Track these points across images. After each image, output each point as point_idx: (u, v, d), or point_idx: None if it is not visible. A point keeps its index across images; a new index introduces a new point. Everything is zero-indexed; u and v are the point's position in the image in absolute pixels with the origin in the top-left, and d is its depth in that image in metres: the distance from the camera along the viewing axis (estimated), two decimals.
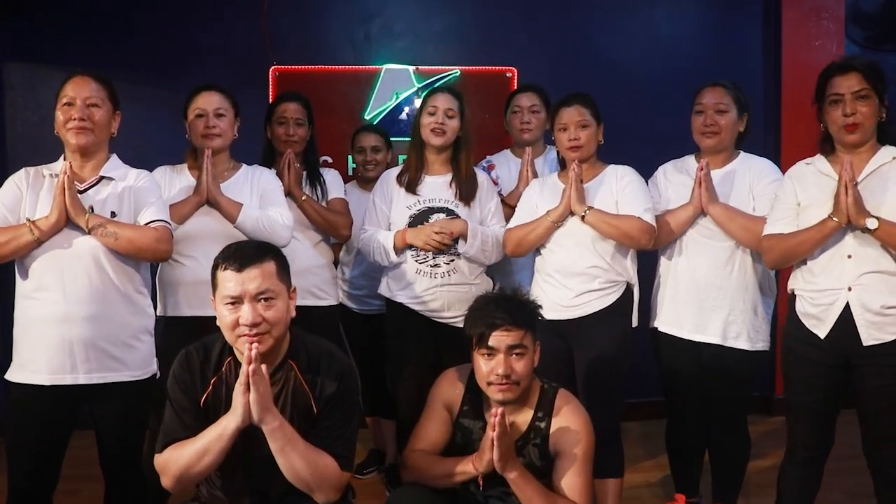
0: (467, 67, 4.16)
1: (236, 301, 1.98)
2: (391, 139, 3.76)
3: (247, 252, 2.00)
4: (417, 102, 4.01)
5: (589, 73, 4.22)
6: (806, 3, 4.45)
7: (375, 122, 4.13)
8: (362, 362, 3.64)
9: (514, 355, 2.23)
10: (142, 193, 2.43)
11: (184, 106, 2.87)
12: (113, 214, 2.39)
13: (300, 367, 2.08)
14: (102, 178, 2.44)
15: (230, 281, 1.98)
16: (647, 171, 2.98)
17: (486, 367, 2.24)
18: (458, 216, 2.94)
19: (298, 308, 3.11)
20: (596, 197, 2.86)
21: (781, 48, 4.48)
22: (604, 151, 2.97)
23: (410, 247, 2.95)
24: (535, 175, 3.24)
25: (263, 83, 4.08)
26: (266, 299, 1.98)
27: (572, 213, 2.83)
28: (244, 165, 2.93)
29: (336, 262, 3.44)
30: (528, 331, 2.24)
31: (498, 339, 2.22)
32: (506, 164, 3.43)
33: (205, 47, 4.09)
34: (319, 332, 3.14)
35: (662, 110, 4.20)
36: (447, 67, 4.15)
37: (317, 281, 3.18)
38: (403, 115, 4.14)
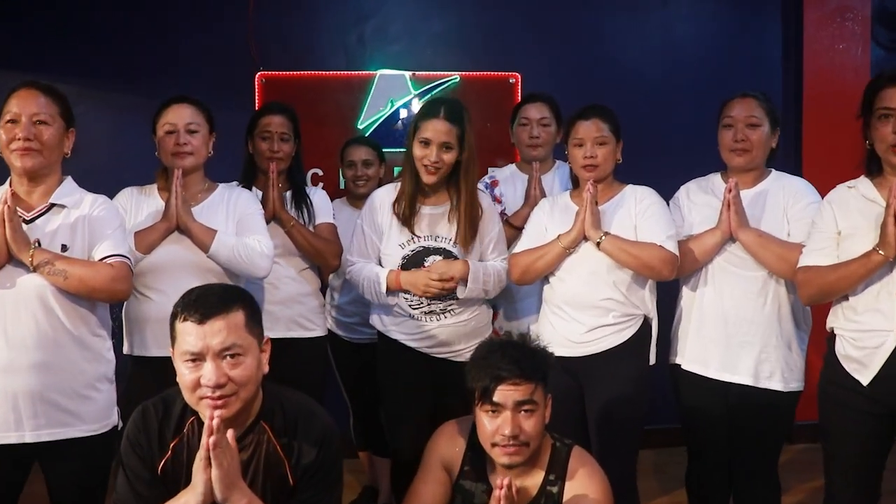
0: (468, 73, 3.96)
1: (197, 358, 1.70)
2: (386, 150, 3.54)
3: (210, 300, 1.72)
4: (416, 108, 3.83)
5: (597, 79, 4.01)
6: (829, 2, 4.22)
7: (369, 132, 3.93)
8: (353, 394, 3.43)
9: (522, 412, 1.95)
10: (98, 224, 2.14)
11: (152, 121, 2.57)
12: (64, 248, 2.10)
13: (274, 430, 1.80)
14: (53, 205, 2.15)
15: (190, 334, 1.70)
16: (660, 187, 2.71)
17: (491, 426, 1.95)
18: (455, 257, 2.64)
19: (283, 341, 2.89)
20: (613, 221, 2.59)
21: (802, 51, 4.25)
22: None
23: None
24: (544, 194, 2.96)
25: (249, 90, 3.87)
26: (232, 356, 1.71)
27: (586, 239, 2.56)
28: (220, 186, 2.65)
29: (324, 288, 3.16)
30: (538, 384, 1.96)
31: (504, 394, 1.93)
32: (511, 182, 3.16)
33: (185, 52, 3.88)
34: (306, 365, 2.95)
35: (675, 119, 4.05)
36: (446, 73, 3.94)
37: (303, 310, 2.92)
38: (399, 125, 3.93)
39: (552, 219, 2.68)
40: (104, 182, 2.66)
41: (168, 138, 2.51)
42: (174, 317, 1.74)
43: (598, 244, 2.52)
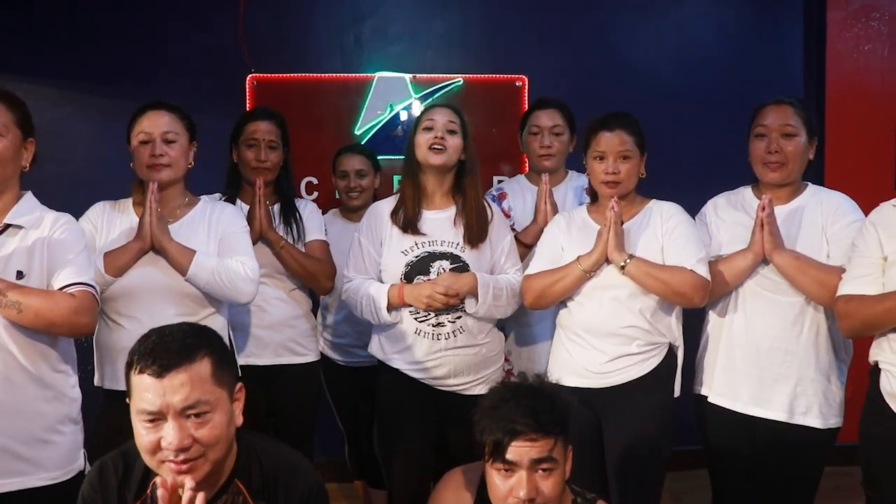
0: (471, 76, 3.75)
1: (157, 418, 1.46)
2: (384, 157, 3.42)
3: (170, 347, 1.47)
4: (417, 112, 3.62)
5: (608, 82, 3.82)
6: (853, 2, 4.00)
7: (367, 138, 3.72)
8: (348, 421, 3.21)
9: (539, 472, 1.71)
10: (59, 247, 1.90)
11: (126, 129, 2.33)
12: (20, 275, 1.86)
13: (251, 490, 1.57)
14: (8, 226, 1.90)
15: (147, 390, 1.46)
16: (673, 199, 2.50)
17: (504, 487, 1.72)
18: (464, 263, 2.45)
19: (273, 367, 2.68)
20: (638, 242, 2.37)
21: (825, 53, 4.02)
22: None
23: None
24: (555, 208, 2.72)
25: (239, 94, 3.65)
26: (198, 414, 1.46)
27: (608, 261, 2.33)
28: (202, 199, 2.41)
29: (315, 308, 2.95)
30: (558, 438, 1.72)
31: (519, 451, 1.69)
32: (520, 194, 2.92)
33: (172, 52, 3.69)
34: (298, 393, 2.72)
35: (691, 126, 3.90)
36: (449, 76, 3.74)
37: (293, 334, 2.70)
38: (399, 130, 3.72)
39: (569, 237, 2.46)
40: (84, 191, 2.53)
41: (143, 148, 2.27)
42: (129, 366, 1.50)
43: (622, 268, 2.30)
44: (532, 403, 1.71)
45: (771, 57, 4.06)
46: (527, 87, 3.76)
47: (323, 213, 3.44)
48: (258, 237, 2.57)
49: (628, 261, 2.29)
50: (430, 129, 2.44)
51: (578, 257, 2.35)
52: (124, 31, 3.67)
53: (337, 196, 3.37)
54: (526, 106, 3.66)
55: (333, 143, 3.41)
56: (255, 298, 2.55)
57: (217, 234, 2.31)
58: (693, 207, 2.53)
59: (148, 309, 2.18)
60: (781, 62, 4.07)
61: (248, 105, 3.64)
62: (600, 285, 2.35)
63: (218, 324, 2.31)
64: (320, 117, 3.68)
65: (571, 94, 3.05)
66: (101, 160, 3.54)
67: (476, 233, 2.45)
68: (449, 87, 3.73)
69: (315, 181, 3.69)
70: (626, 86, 3.80)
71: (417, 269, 2.43)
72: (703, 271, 2.29)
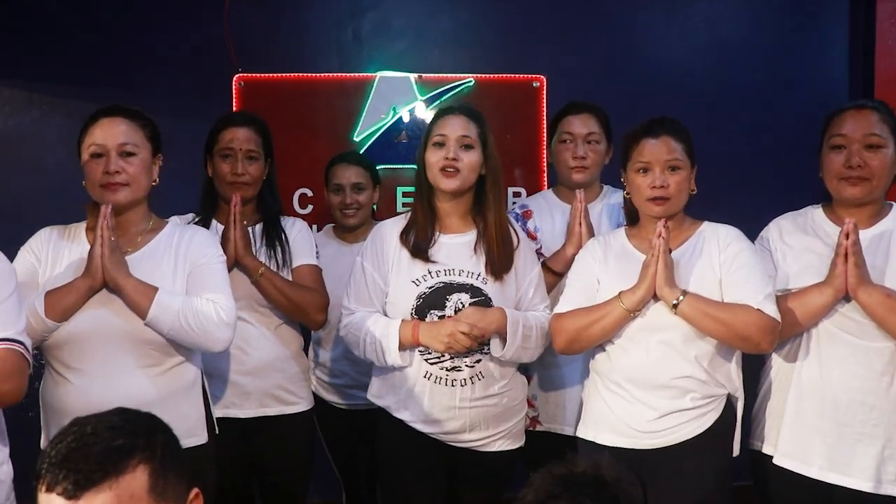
0: (484, 76, 3.46)
1: None
2: (388, 167, 3.23)
3: (90, 454, 1.08)
4: (422, 116, 3.36)
5: (633, 83, 3.53)
6: None
7: (367, 145, 3.41)
8: (346, 470, 2.83)
9: None
10: None
11: (77, 140, 1.96)
12: None
13: None
14: None
15: None
16: (711, 217, 2.14)
17: None
18: (486, 297, 2.10)
19: (257, 420, 2.27)
20: (691, 274, 1.99)
21: (874, 50, 3.68)
22: None
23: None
24: (591, 230, 2.35)
25: (225, 96, 3.37)
26: None
27: (656, 298, 1.96)
28: (170, 223, 2.04)
29: (307, 344, 2.59)
30: None
31: None
32: (548, 212, 2.53)
33: (150, 50, 3.43)
34: (287, 450, 2.30)
35: (724, 131, 3.57)
36: (458, 75, 3.44)
37: (280, 380, 2.32)
38: (403, 136, 3.42)
39: (606, 268, 2.09)
40: (55, 203, 2.29)
41: (94, 164, 1.89)
42: (37, 477, 1.11)
43: (674, 307, 1.92)
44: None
45: (812, 55, 3.76)
46: (545, 87, 3.46)
47: (318, 230, 3.14)
48: (233, 264, 2.21)
49: (681, 298, 1.91)
50: (440, 144, 2.11)
51: (621, 293, 1.97)
52: (101, 30, 3.43)
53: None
54: (544, 108, 3.41)
55: (329, 151, 3.10)
56: (235, 338, 2.19)
57: (186, 266, 1.93)
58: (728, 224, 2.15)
59: (100, 360, 1.81)
60: (824, 59, 3.77)
61: (235, 108, 3.34)
62: (647, 327, 1.98)
63: (188, 376, 1.94)
64: (315, 122, 3.39)
65: (594, 95, 2.73)
66: (74, 169, 3.19)
67: (500, 261, 2.11)
68: (459, 89, 3.42)
69: (309, 193, 3.38)
70: (653, 86, 3.53)
71: (431, 302, 2.08)
72: (772, 310, 1.91)
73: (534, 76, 3.45)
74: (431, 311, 2.08)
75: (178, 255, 1.93)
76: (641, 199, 2.04)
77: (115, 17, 3.41)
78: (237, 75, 3.36)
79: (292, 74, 3.39)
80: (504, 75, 3.46)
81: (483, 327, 2.03)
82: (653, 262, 1.93)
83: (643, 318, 1.97)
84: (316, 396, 2.69)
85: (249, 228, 2.31)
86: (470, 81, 3.41)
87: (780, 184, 3.45)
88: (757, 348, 1.93)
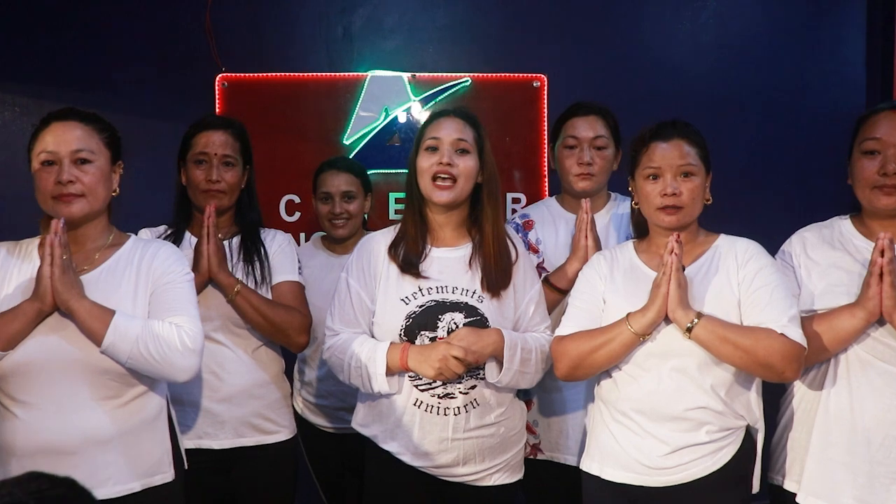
0: (481, 75, 3.30)
1: None
2: (379, 171, 3.10)
3: None
4: (417, 118, 3.20)
5: (639, 84, 3.37)
6: None
7: (358, 149, 3.23)
8: (334, 497, 2.66)
9: None
10: None
11: (27, 146, 1.78)
12: None
13: None
14: None
15: None
16: (732, 227, 1.97)
17: None
18: (482, 317, 1.93)
19: (234, 451, 2.04)
20: (706, 294, 1.81)
21: (894, 47, 3.50)
22: None
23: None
24: (598, 243, 2.16)
25: (207, 97, 3.22)
26: None
27: (667, 321, 1.78)
28: (132, 238, 1.85)
29: (290, 366, 2.44)
30: None
31: None
32: (551, 222, 2.36)
33: (128, 49, 3.28)
34: (267, 483, 2.08)
35: (734, 136, 3.41)
36: (454, 75, 3.29)
37: (259, 407, 2.14)
38: (396, 139, 3.26)
39: (613, 286, 1.91)
40: (26, 212, 2.00)
41: (45, 173, 1.70)
42: None
43: (688, 330, 1.73)
44: None
45: (828, 54, 3.58)
46: (546, 88, 3.30)
47: (307, 239, 3.04)
48: (206, 280, 2.04)
49: (696, 321, 1.73)
50: (433, 149, 1.95)
51: (629, 315, 1.79)
52: (77, 27, 3.27)
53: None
54: (545, 110, 3.25)
55: (318, 155, 2.98)
56: (208, 362, 2.05)
57: (148, 286, 1.75)
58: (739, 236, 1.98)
59: (50, 392, 1.63)
60: (840, 59, 3.59)
61: (217, 110, 3.18)
62: (658, 352, 1.79)
63: (151, 407, 1.75)
64: (303, 124, 3.23)
65: (598, 96, 2.57)
66: None
67: (497, 277, 1.94)
68: (455, 89, 3.26)
69: (297, 200, 3.21)
70: (660, 86, 3.37)
71: (421, 322, 1.91)
72: (797, 335, 1.72)
73: (534, 75, 3.30)
74: (422, 333, 1.90)
75: (139, 274, 1.75)
76: (651, 209, 1.86)
77: (91, 14, 3.26)
78: (220, 75, 3.21)
79: (278, 74, 3.23)
80: (503, 74, 3.31)
81: (478, 351, 1.85)
82: (664, 280, 1.75)
83: (653, 342, 1.79)
84: (302, 418, 2.57)
85: (225, 241, 2.15)
86: (467, 81, 3.26)
87: (798, 192, 3.32)
88: (780, 377, 1.74)
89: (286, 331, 2.10)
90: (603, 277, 1.92)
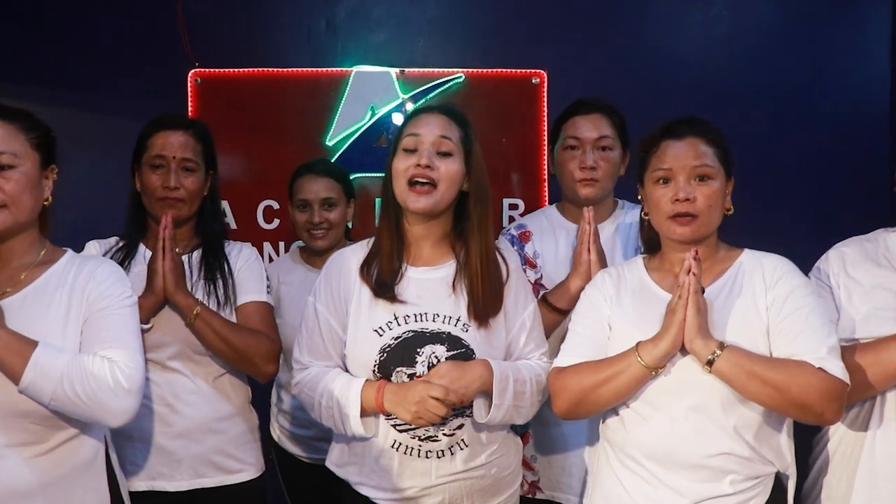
0: (475, 70, 3.09)
1: None
2: (363, 176, 2.92)
3: None
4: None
5: (646, 80, 3.14)
6: None
7: (342, 150, 3.02)
8: None
9: None
10: None
11: None
12: None
13: None
14: None
15: None
16: (752, 241, 1.73)
17: None
18: (467, 349, 1.68)
19: (191, 493, 1.78)
20: (728, 319, 1.56)
21: None
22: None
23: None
24: (602, 258, 1.93)
25: (179, 94, 3.03)
26: None
27: (683, 350, 1.53)
28: (69, 253, 1.61)
29: (259, 393, 2.19)
30: None
31: None
32: (550, 233, 2.13)
33: (95, 43, 3.09)
34: None
35: (750, 135, 3.13)
36: (447, 70, 3.09)
37: (220, 443, 1.91)
38: (383, 140, 3.05)
39: (620, 308, 1.67)
40: None
41: None
42: None
43: (709, 363, 1.48)
44: None
45: (850, 48, 3.34)
46: (546, 84, 3.09)
47: (286, 249, 2.87)
48: (162, 301, 1.82)
49: (718, 353, 1.48)
50: (411, 151, 1.70)
51: (639, 345, 1.55)
52: (34, 18, 3.08)
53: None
54: (545, 108, 3.04)
55: (298, 156, 2.77)
56: (163, 392, 1.83)
57: (82, 312, 1.50)
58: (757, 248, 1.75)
59: None
60: (863, 53, 3.36)
61: (190, 107, 2.99)
62: (673, 389, 1.55)
63: (83, 453, 1.51)
64: (282, 124, 3.04)
65: (601, 93, 2.36)
66: None
67: (486, 302, 1.70)
68: (447, 86, 3.05)
69: (276, 206, 3.01)
70: (669, 83, 3.15)
71: (397, 356, 1.67)
72: (838, 369, 1.48)
73: (533, 71, 3.10)
74: (398, 369, 1.66)
75: (72, 297, 1.51)
76: (661, 217, 1.63)
77: (55, 6, 3.06)
78: (193, 70, 3.02)
79: (256, 70, 3.02)
80: (499, 70, 3.11)
81: (462, 389, 1.61)
82: (680, 305, 1.50)
83: (667, 376, 1.55)
84: (279, 447, 2.38)
85: (185, 256, 1.93)
86: (460, 77, 3.05)
87: (817, 201, 3.09)
88: (819, 419, 1.50)
89: (252, 358, 1.86)
90: (608, 299, 1.68)
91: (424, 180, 1.66)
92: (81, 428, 1.49)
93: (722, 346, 1.48)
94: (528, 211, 2.95)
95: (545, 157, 3.00)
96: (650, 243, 1.75)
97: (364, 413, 1.65)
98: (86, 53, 3.05)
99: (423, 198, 1.67)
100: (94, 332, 1.48)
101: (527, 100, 3.04)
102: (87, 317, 1.49)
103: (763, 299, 1.56)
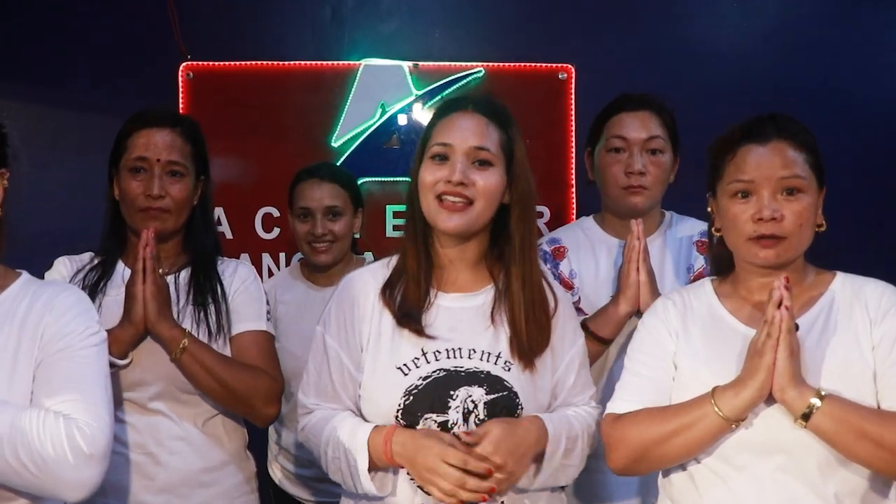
0: (496, 64, 2.97)
1: None
2: (372, 180, 2.81)
3: None
4: (419, 117, 2.89)
5: (681, 75, 2.99)
6: None
7: (349, 152, 2.92)
8: None
9: None
10: None
11: None
12: None
13: None
14: None
15: None
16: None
17: None
18: (510, 392, 1.42)
19: None
20: (824, 361, 1.31)
21: None
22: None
23: None
24: (653, 279, 1.70)
25: (169, 89, 2.90)
26: None
27: (769, 400, 1.28)
28: (23, 277, 1.36)
29: (256, 438, 1.96)
30: None
31: None
32: (588, 248, 1.90)
33: (81, 37, 2.97)
34: None
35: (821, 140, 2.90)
36: (465, 64, 2.95)
37: (213, 498, 1.66)
38: (394, 140, 2.95)
39: (688, 345, 1.41)
40: None
41: None
42: None
43: (804, 417, 1.23)
44: None
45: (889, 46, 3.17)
46: (573, 80, 2.96)
47: (287, 262, 2.75)
48: (142, 332, 1.58)
49: (817, 405, 1.22)
50: (442, 158, 1.45)
51: (715, 391, 1.29)
52: (24, 12, 2.95)
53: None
54: (573, 106, 2.88)
55: (300, 160, 2.63)
56: (143, 440, 1.62)
57: (34, 352, 1.24)
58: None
59: None
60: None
61: (180, 106, 2.85)
62: (758, 445, 1.29)
63: None
64: (283, 124, 2.92)
65: (635, 91, 2.18)
66: None
67: (531, 335, 1.45)
68: (465, 81, 2.92)
69: (275, 213, 2.87)
70: (709, 80, 2.99)
71: (426, 400, 1.41)
72: None
73: (560, 66, 2.98)
74: (427, 416, 1.40)
75: (23, 333, 1.24)
76: (739, 239, 1.37)
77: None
78: (184, 64, 2.88)
79: (254, 63, 2.90)
80: (522, 64, 2.99)
81: (511, 466, 1.35)
82: (769, 346, 1.25)
83: (749, 429, 1.29)
84: (280, 491, 2.18)
85: (170, 277, 1.68)
86: (479, 72, 2.93)
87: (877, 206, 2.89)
88: None
89: (249, 399, 1.62)
90: (673, 332, 1.42)
91: (456, 199, 1.42)
92: (31, 499, 1.23)
93: (820, 396, 1.22)
94: (553, 220, 2.79)
95: (572, 161, 2.87)
96: (720, 263, 1.49)
97: (375, 466, 1.39)
98: (72, 47, 2.93)
99: (456, 216, 1.42)
100: (49, 380, 1.21)
101: (553, 97, 2.93)
102: (42, 359, 1.23)
103: (868, 337, 1.30)
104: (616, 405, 1.41)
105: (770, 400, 1.27)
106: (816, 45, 3.12)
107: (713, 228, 1.47)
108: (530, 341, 1.43)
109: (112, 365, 1.49)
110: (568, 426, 1.43)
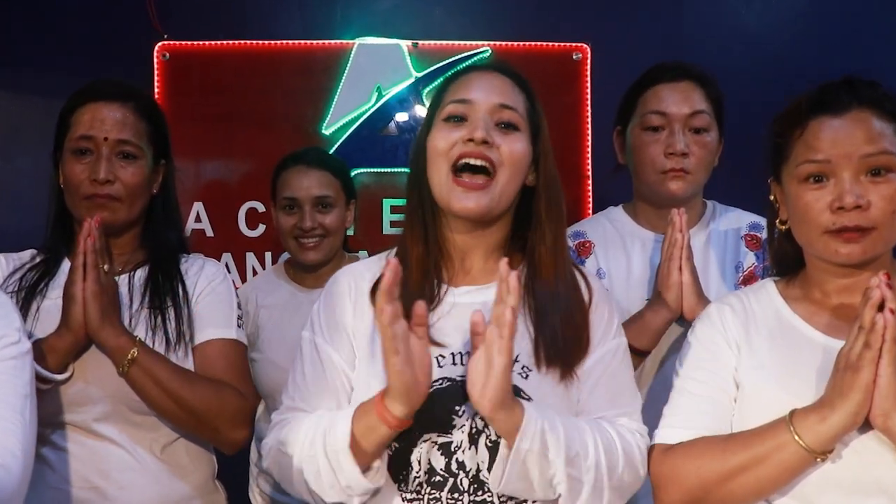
0: (505, 43, 2.85)
1: None
2: (366, 171, 2.67)
3: None
4: (417, 100, 2.80)
5: (709, 57, 2.95)
6: None
7: (341, 140, 2.78)
8: None
9: None
10: None
11: None
12: None
13: None
14: None
15: None
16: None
17: None
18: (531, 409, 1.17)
19: None
20: None
21: None
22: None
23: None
24: (696, 278, 1.49)
25: (143, 71, 2.76)
26: None
27: (864, 428, 1.06)
28: None
29: (228, 464, 1.70)
30: None
31: None
32: (618, 243, 1.69)
33: (49, 14, 2.85)
34: None
35: None
36: (469, 43, 2.83)
37: None
38: (391, 127, 2.79)
39: (753, 358, 1.17)
40: None
41: None
42: None
43: None
44: None
45: None
46: (589, 60, 2.82)
47: (273, 261, 2.58)
48: (82, 340, 1.36)
49: None
50: (458, 119, 1.22)
51: (794, 416, 1.06)
52: None
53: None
54: (588, 89, 2.74)
55: (288, 149, 2.45)
56: (87, 471, 1.39)
57: None
58: None
59: None
60: None
61: (155, 90, 2.68)
62: (849, 484, 1.06)
63: None
64: (269, 109, 2.79)
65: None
66: None
67: (557, 336, 1.21)
68: (470, 62, 2.74)
69: (260, 208, 2.70)
70: (736, 61, 2.81)
71: (426, 418, 1.17)
72: None
73: (574, 45, 2.85)
74: (426, 437, 1.16)
75: None
76: (815, 231, 1.13)
77: None
78: (160, 44, 2.75)
79: (236, 42, 2.75)
80: (533, 43, 2.86)
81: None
82: (868, 360, 1.01)
83: (838, 463, 1.05)
84: None
85: (124, 276, 1.46)
86: (485, 51, 2.78)
87: None
88: None
89: (211, 420, 1.38)
90: (734, 344, 1.18)
91: (479, 162, 1.18)
92: None
93: None
94: (568, 213, 2.54)
95: (588, 149, 2.70)
96: (784, 262, 1.25)
97: (362, 458, 1.12)
98: (38, 27, 2.80)
99: (475, 195, 1.18)
100: None
101: (567, 80, 2.79)
102: None
103: None
104: (665, 433, 1.16)
105: (865, 426, 1.04)
106: (852, 21, 2.95)
107: (777, 220, 1.23)
108: (558, 341, 1.19)
109: (47, 381, 1.27)
110: (605, 448, 1.15)
